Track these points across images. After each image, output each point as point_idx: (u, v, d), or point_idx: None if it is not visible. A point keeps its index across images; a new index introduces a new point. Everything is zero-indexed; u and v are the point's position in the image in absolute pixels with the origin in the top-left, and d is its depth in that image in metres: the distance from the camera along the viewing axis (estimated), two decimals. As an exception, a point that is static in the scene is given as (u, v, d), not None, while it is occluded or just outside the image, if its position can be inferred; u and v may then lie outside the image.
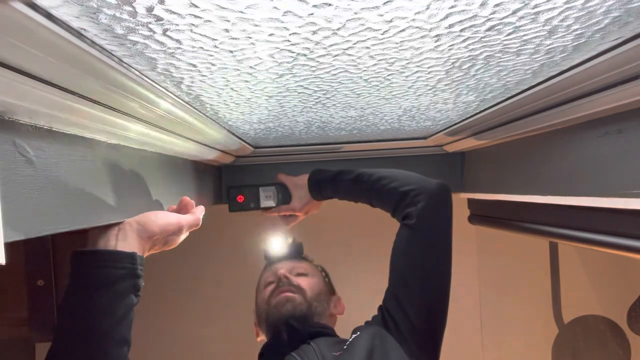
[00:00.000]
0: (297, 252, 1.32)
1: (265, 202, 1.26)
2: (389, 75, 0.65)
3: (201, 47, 0.50)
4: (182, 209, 0.83)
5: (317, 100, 0.78)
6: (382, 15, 0.46)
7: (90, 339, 0.62)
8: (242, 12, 0.43)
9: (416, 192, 1.03)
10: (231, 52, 0.52)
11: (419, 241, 1.00)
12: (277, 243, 1.33)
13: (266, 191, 1.27)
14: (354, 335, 0.97)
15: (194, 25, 0.44)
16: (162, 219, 0.74)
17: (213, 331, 2.17)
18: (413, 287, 0.97)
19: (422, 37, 0.51)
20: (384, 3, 0.43)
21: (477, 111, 0.93)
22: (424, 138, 1.28)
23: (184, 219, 0.78)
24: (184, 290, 2.17)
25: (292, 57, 0.55)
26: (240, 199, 1.26)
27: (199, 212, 0.83)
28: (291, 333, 1.06)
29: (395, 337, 0.94)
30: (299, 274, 1.21)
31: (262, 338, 1.19)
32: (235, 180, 1.48)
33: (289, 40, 0.50)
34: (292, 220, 1.31)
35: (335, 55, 0.56)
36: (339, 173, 1.19)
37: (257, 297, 1.23)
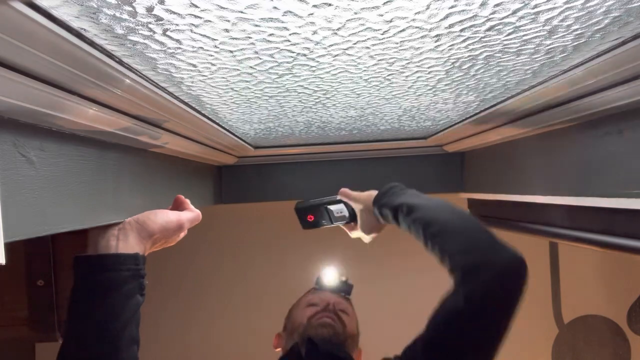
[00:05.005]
0: (346, 291, 1.34)
1: (338, 221, 1.26)
2: (389, 75, 0.65)
3: (201, 47, 0.50)
4: (178, 207, 0.83)
5: (317, 100, 0.78)
6: (382, 15, 0.46)
7: (102, 341, 0.62)
8: (242, 12, 0.43)
9: (477, 267, 0.80)
10: (231, 52, 0.52)
11: (469, 322, 0.81)
12: (332, 274, 1.37)
13: (337, 210, 1.26)
14: None
15: (194, 25, 0.44)
16: (162, 217, 0.74)
17: (219, 330, 2.17)
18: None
19: (422, 37, 0.51)
20: (384, 3, 0.43)
21: (477, 111, 0.93)
22: (424, 138, 1.27)
23: (184, 216, 0.78)
24: (187, 289, 2.17)
25: (292, 57, 0.55)
26: (310, 218, 1.26)
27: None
28: (310, 351, 1.07)
29: None
30: (342, 310, 1.22)
31: (280, 350, 1.21)
32: (235, 180, 1.48)
33: (288, 40, 0.50)
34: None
35: (335, 55, 0.56)
36: (399, 208, 0.99)
37: (295, 312, 1.25)
